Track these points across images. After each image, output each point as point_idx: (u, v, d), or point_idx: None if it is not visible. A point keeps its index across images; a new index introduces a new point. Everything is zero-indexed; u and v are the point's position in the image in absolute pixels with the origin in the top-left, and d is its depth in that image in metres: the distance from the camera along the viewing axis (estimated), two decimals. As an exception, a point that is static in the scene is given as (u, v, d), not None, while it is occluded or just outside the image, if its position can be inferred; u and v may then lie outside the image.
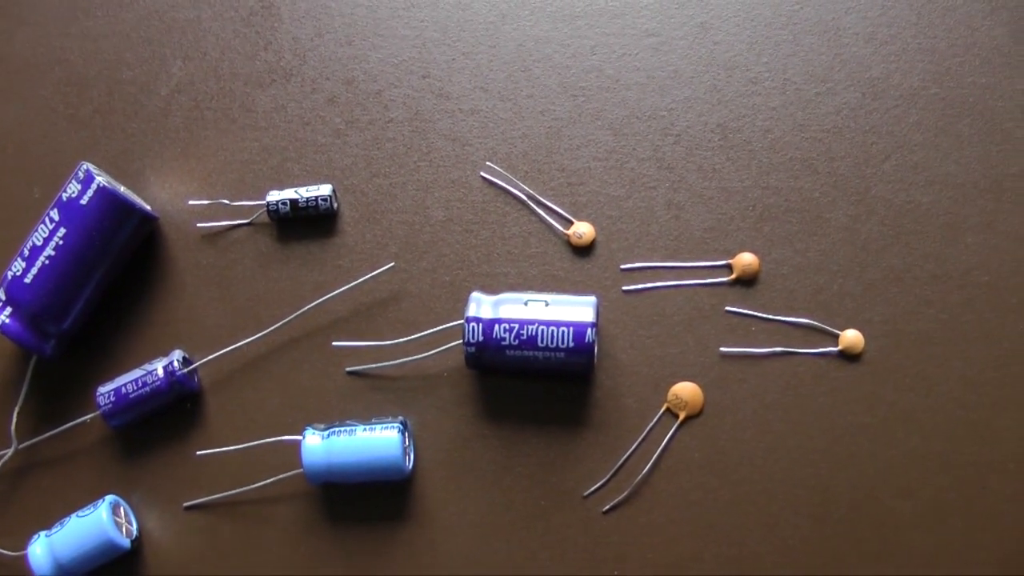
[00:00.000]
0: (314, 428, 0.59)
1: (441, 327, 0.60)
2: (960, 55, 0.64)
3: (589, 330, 0.57)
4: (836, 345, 0.61)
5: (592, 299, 0.58)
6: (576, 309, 0.58)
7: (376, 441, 0.58)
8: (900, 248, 0.62)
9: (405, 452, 0.59)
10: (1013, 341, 0.61)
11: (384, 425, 0.59)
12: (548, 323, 0.57)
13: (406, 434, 0.60)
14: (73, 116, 0.67)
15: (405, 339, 0.61)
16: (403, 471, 0.59)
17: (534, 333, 0.57)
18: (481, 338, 0.57)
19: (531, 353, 0.57)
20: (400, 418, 0.60)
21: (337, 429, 0.59)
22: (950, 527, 0.59)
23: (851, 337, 0.61)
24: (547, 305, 0.58)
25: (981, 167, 0.63)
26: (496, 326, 0.57)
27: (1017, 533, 0.59)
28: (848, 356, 0.61)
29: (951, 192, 0.62)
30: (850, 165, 0.63)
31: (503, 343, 0.57)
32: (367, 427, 0.59)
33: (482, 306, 0.58)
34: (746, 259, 0.62)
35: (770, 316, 0.61)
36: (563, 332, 0.57)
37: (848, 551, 0.59)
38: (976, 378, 0.60)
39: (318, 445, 0.58)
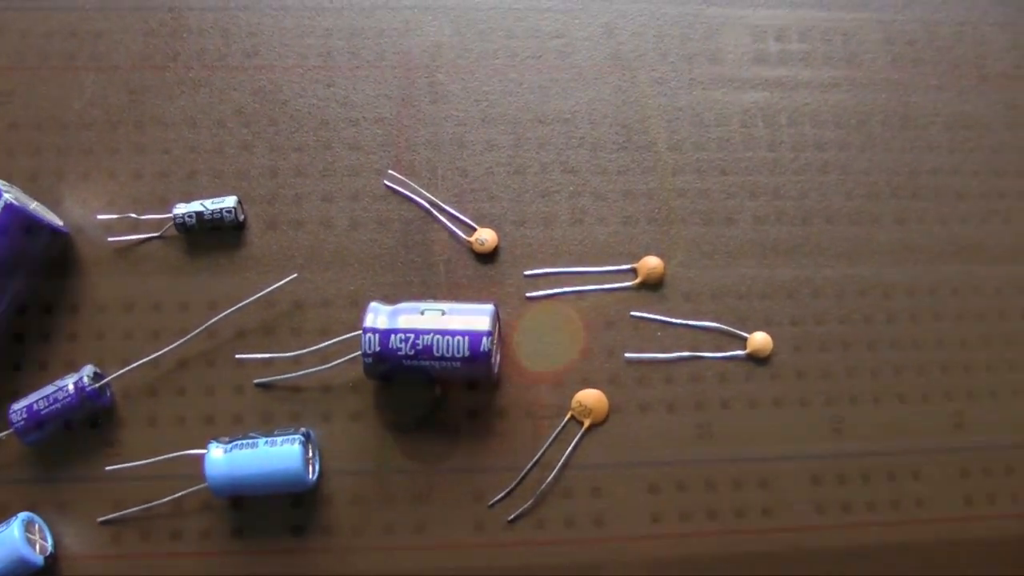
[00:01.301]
0: (218, 441, 0.59)
1: (341, 337, 0.60)
2: (872, 51, 0.63)
3: (484, 339, 0.56)
4: (744, 348, 0.60)
5: (489, 307, 0.58)
6: (472, 318, 0.57)
7: (278, 453, 0.58)
8: (810, 248, 0.61)
9: (308, 463, 0.59)
10: (925, 341, 0.60)
11: (286, 437, 0.58)
12: (444, 332, 0.57)
13: (309, 445, 0.60)
14: (-11, 131, 0.67)
15: (307, 350, 0.60)
16: (305, 483, 0.58)
17: (430, 343, 0.57)
18: (378, 348, 0.57)
19: (428, 363, 0.57)
20: (303, 430, 0.60)
21: (240, 442, 0.59)
22: (862, 530, 0.58)
23: (759, 340, 0.60)
24: (444, 314, 0.57)
25: (894, 165, 0.62)
26: (392, 336, 0.57)
27: (931, 533, 0.58)
28: (756, 359, 0.60)
29: (863, 191, 0.62)
30: (758, 165, 0.62)
31: (399, 353, 0.57)
32: (269, 440, 0.59)
33: (379, 316, 0.58)
34: (651, 263, 0.61)
35: (676, 320, 0.61)
36: (458, 341, 0.56)
37: (758, 558, 0.58)
38: (888, 380, 0.59)
39: (221, 458, 0.58)
